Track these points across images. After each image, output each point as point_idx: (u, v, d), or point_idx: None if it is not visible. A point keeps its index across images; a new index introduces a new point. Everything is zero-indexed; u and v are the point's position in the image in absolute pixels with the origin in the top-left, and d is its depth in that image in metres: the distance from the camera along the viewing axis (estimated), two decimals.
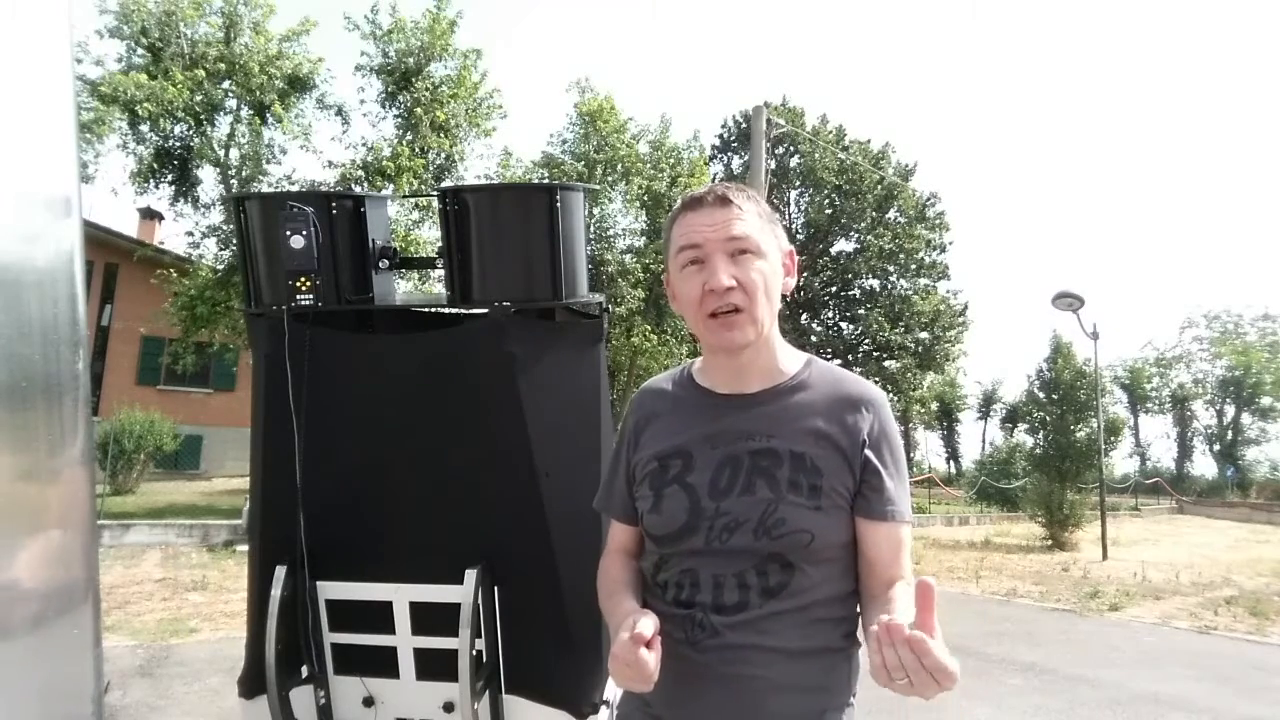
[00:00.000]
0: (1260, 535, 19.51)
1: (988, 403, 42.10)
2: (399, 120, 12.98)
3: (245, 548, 6.12)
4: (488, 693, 1.98)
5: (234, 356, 16.18)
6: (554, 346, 2.16)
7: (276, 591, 1.99)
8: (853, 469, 1.17)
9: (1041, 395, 23.57)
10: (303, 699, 2.06)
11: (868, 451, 1.18)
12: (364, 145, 13.15)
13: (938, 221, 25.43)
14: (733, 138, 27.17)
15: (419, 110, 12.48)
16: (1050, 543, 14.55)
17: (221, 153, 12.80)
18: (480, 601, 1.93)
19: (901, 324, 24.16)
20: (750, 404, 1.23)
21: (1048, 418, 22.67)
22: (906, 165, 25.74)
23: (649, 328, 15.42)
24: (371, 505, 2.10)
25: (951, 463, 41.82)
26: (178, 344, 14.72)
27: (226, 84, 12.30)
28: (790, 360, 1.27)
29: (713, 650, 1.16)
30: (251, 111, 12.51)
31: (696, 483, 1.20)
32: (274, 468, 2.10)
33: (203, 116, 12.23)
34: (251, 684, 2.08)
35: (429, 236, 12.98)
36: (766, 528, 1.14)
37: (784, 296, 1.26)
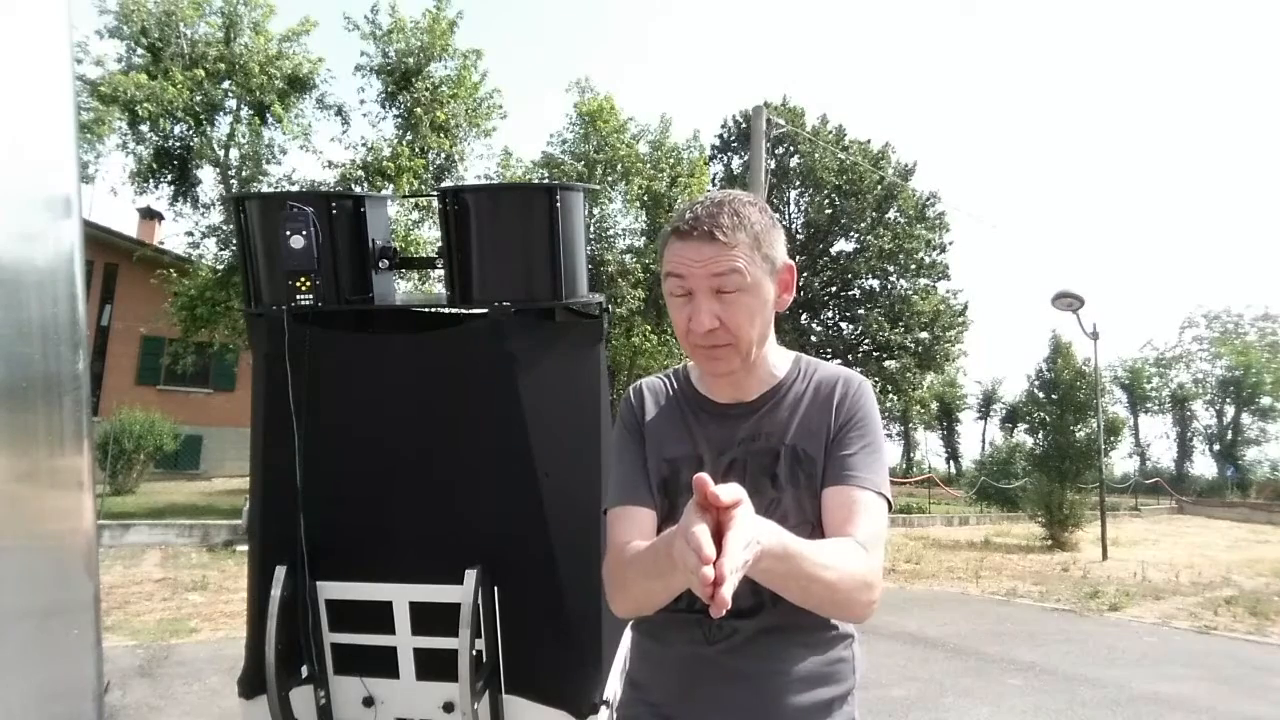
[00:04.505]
0: (1260, 535, 19.52)
1: (988, 403, 42.12)
2: (399, 120, 12.98)
3: (245, 548, 6.12)
4: (488, 693, 1.98)
5: (234, 356, 16.17)
6: (554, 346, 2.16)
7: (276, 591, 1.99)
8: (829, 450, 1.20)
9: (1041, 395, 23.59)
10: (303, 699, 2.06)
11: (841, 427, 1.21)
12: (364, 145, 13.16)
13: (937, 221, 25.42)
14: (733, 138, 27.16)
15: (419, 110, 12.48)
16: (1050, 543, 14.56)
17: (221, 153, 12.80)
18: (480, 601, 1.93)
19: (901, 324, 24.14)
20: (750, 411, 1.25)
21: (1048, 418, 22.68)
22: (906, 165, 25.74)
23: (649, 328, 15.42)
24: (371, 505, 2.10)
25: (951, 463, 41.84)
26: (178, 344, 14.73)
27: (226, 84, 12.30)
28: (781, 363, 1.29)
29: (730, 648, 1.17)
30: (251, 111, 12.51)
31: None
32: (274, 467, 2.10)
33: (203, 116, 12.23)
34: (251, 684, 2.08)
35: (429, 236, 12.97)
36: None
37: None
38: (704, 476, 0.89)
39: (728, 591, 0.82)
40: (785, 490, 1.18)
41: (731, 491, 0.89)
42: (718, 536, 0.87)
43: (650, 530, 1.22)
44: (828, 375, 1.27)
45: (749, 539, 0.88)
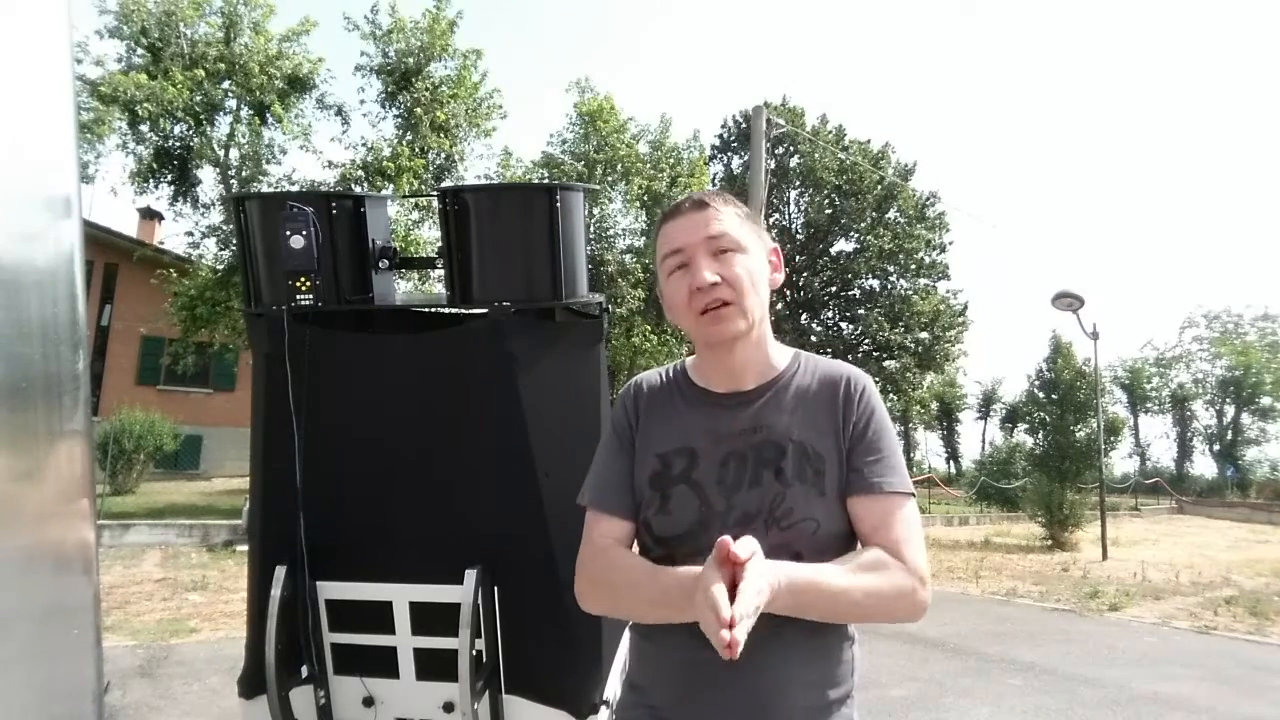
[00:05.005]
0: (1260, 535, 19.52)
1: (988, 403, 42.15)
2: (399, 120, 12.99)
3: (245, 548, 6.12)
4: (488, 693, 1.98)
5: (234, 356, 16.18)
6: (554, 346, 2.16)
7: (276, 591, 1.98)
8: (841, 450, 1.21)
9: (1041, 395, 23.62)
10: (303, 699, 2.06)
11: (855, 430, 1.22)
12: (364, 145, 13.16)
13: (937, 221, 25.41)
14: (733, 138, 27.14)
15: (419, 110, 12.48)
16: (1050, 543, 14.57)
17: (221, 153, 12.80)
18: (480, 601, 1.93)
19: (901, 324, 24.11)
20: (748, 400, 1.25)
21: (1048, 418, 22.72)
22: (906, 165, 25.73)
23: (649, 328, 15.42)
24: (371, 505, 2.10)
25: (951, 463, 41.86)
26: (178, 344, 14.73)
27: (226, 84, 12.30)
28: (780, 356, 1.30)
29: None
30: (251, 111, 12.51)
31: (703, 480, 1.20)
32: (274, 468, 2.10)
33: (203, 116, 12.23)
34: (251, 684, 2.08)
35: (429, 236, 12.98)
36: (776, 518, 1.16)
37: (775, 293, 1.30)
38: (726, 539, 1.00)
39: (740, 635, 0.93)
40: (792, 485, 1.18)
41: (747, 546, 1.00)
42: (732, 588, 0.99)
43: (624, 539, 1.26)
44: (831, 370, 1.28)
45: (759, 587, 0.99)
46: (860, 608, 1.11)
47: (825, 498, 1.18)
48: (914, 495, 1.22)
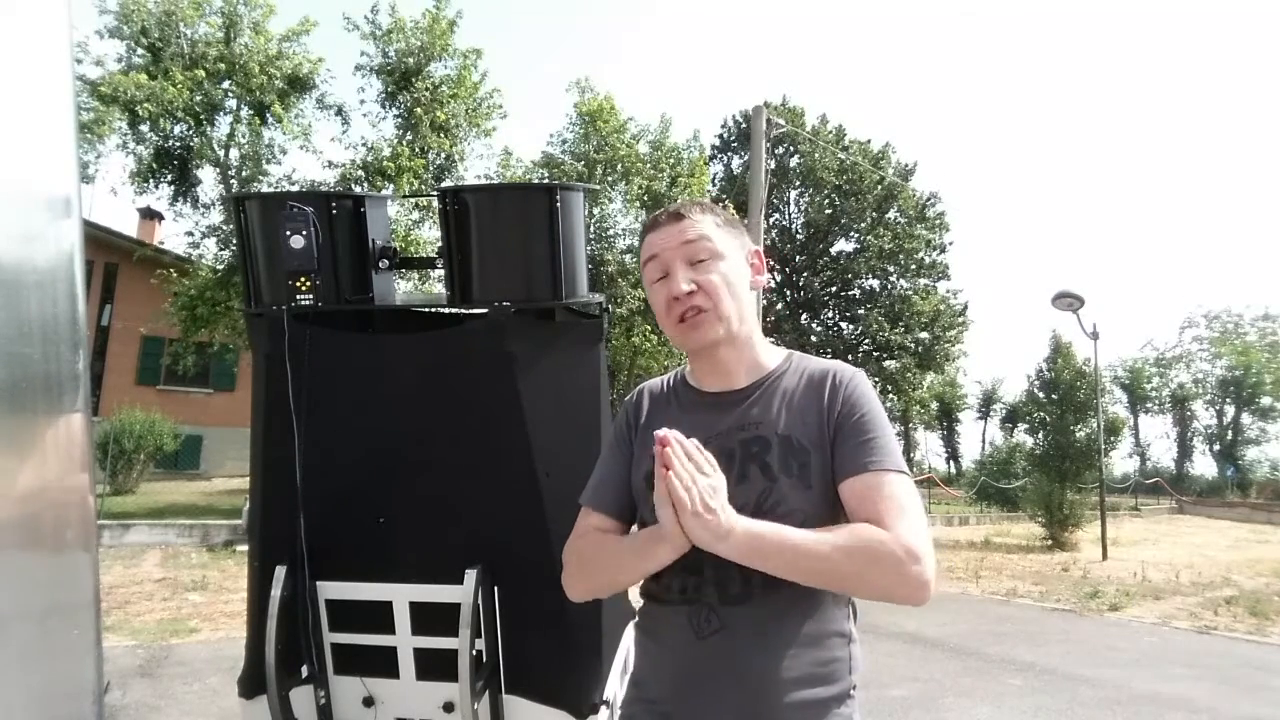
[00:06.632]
0: (1260, 535, 19.51)
1: (988, 403, 42.15)
2: (399, 120, 12.99)
3: (245, 548, 6.12)
4: (488, 693, 1.97)
5: (234, 356, 16.20)
6: (554, 346, 2.16)
7: (276, 591, 1.98)
8: (826, 441, 1.22)
9: (1041, 395, 23.60)
10: (303, 699, 2.06)
11: (839, 420, 1.23)
12: (364, 145, 13.17)
13: (938, 221, 25.41)
14: (733, 138, 27.13)
15: (419, 110, 12.48)
16: (1050, 543, 14.56)
17: (221, 153, 12.81)
18: (480, 601, 1.93)
19: (901, 324, 24.12)
20: (739, 399, 1.28)
21: (1048, 418, 22.70)
22: (906, 165, 25.73)
23: (649, 328, 15.41)
24: (371, 505, 2.09)
25: (951, 463, 41.85)
26: (178, 344, 14.74)
27: (226, 84, 12.31)
28: (772, 356, 1.33)
29: (720, 644, 1.17)
30: (251, 111, 12.51)
31: None
32: (274, 467, 2.10)
33: (203, 116, 12.23)
34: (251, 684, 2.08)
35: (429, 236, 12.98)
36: (763, 511, 1.17)
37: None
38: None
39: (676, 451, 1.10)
40: (778, 479, 1.19)
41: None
42: None
43: (608, 533, 1.31)
44: (819, 367, 1.31)
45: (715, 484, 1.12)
46: (830, 563, 1.08)
47: (811, 490, 1.19)
48: (905, 473, 1.19)
